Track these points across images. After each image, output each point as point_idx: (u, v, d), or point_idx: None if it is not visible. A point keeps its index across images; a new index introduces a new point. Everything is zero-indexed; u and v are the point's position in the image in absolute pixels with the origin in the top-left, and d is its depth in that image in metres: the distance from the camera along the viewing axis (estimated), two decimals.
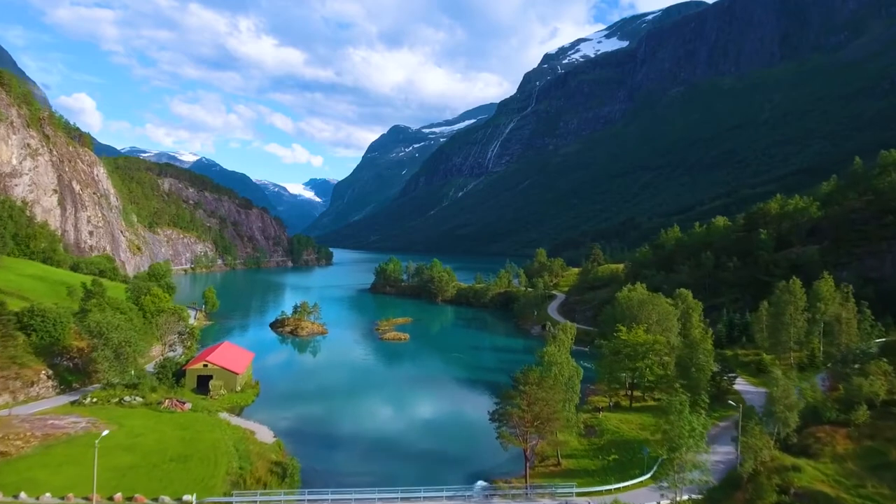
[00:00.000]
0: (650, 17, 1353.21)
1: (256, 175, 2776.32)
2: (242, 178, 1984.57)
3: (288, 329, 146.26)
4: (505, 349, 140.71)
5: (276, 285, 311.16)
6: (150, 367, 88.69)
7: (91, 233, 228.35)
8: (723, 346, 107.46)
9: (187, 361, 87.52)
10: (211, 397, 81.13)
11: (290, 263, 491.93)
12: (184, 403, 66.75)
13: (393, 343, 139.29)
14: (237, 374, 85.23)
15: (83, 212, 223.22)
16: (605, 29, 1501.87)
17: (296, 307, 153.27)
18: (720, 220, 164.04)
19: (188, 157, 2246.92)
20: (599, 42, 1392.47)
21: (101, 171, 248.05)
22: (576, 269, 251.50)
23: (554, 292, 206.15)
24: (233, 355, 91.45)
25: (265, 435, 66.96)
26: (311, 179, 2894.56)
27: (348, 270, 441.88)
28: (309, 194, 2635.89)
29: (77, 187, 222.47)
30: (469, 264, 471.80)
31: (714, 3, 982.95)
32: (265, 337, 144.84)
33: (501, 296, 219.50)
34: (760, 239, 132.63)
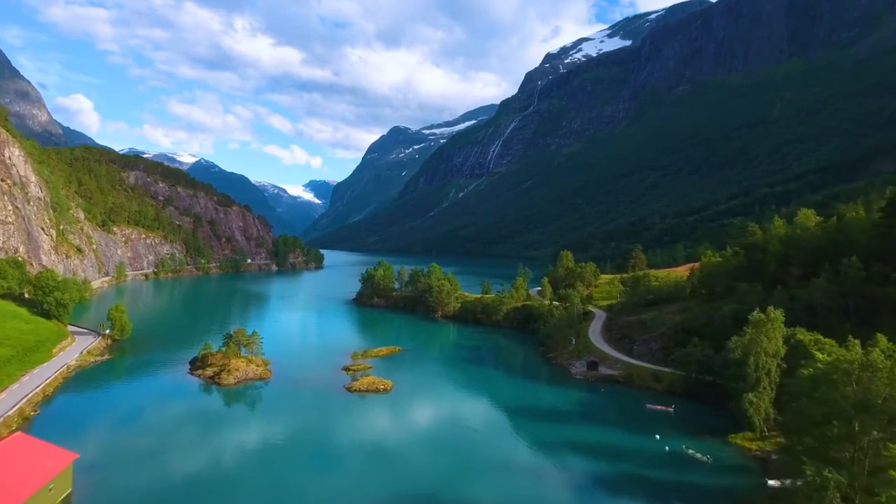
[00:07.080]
0: (653, 15, 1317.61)
1: (256, 176, 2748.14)
2: (242, 180, 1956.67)
3: (209, 372, 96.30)
4: (544, 412, 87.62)
5: (245, 294, 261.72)
6: None
7: None
8: None
9: None
10: None
11: (274, 267, 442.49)
12: None
13: (367, 398, 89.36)
14: None
15: None
16: (608, 28, 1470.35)
17: (228, 336, 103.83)
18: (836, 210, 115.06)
19: (187, 159, 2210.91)
20: (602, 41, 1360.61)
21: (15, 154, 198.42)
22: (609, 276, 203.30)
23: (589, 308, 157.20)
24: None
25: None
26: (311, 181, 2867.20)
27: (339, 275, 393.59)
28: (308, 196, 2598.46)
29: None
30: (470, 267, 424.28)
31: (719, 0, 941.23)
32: (171, 385, 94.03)
33: (518, 311, 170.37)
34: None
